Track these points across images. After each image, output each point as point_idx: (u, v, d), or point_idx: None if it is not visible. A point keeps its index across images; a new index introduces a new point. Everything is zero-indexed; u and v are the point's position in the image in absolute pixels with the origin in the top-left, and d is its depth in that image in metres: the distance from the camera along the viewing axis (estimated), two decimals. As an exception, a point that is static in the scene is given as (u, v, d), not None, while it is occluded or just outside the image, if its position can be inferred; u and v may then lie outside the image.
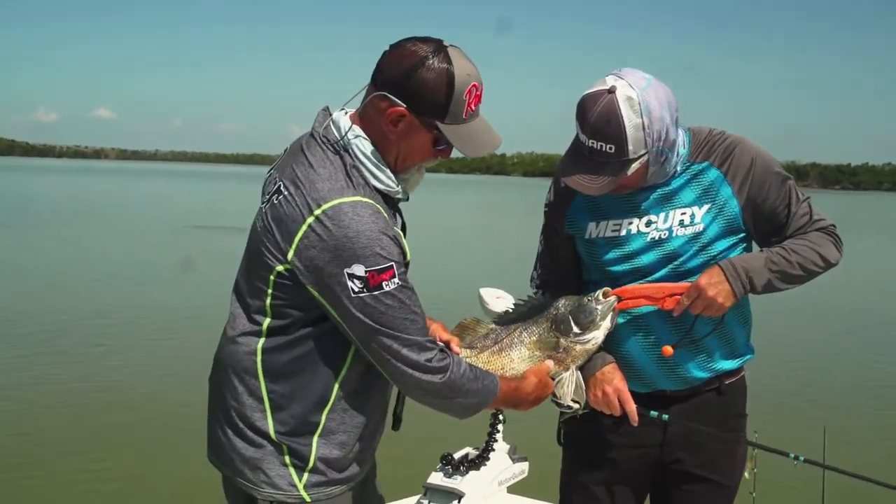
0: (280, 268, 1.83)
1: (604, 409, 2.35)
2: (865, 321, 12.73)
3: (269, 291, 1.86)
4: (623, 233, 2.31)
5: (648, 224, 2.30)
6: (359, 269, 1.77)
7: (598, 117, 2.06)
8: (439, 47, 1.82)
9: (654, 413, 2.36)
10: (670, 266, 2.29)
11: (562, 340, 2.20)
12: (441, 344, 1.95)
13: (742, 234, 2.32)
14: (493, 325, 2.25)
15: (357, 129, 1.88)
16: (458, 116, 1.84)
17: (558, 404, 2.41)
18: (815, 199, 2.44)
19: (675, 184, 2.30)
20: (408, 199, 1.99)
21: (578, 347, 2.21)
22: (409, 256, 1.88)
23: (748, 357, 2.45)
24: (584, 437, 2.58)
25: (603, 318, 2.19)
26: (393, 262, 1.79)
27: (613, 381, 2.33)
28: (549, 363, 2.18)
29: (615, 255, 2.33)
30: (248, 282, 1.92)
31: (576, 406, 2.40)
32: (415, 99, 1.82)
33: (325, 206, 1.78)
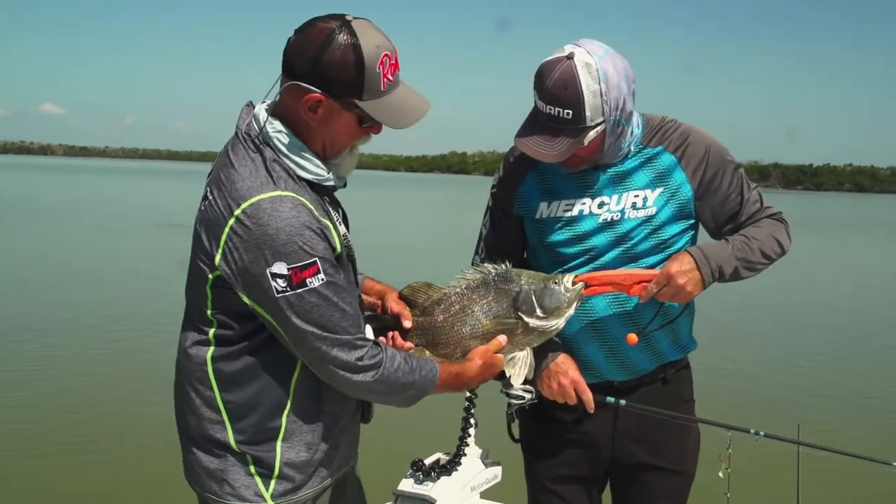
0: (212, 275, 1.82)
1: (558, 400, 2.38)
2: (819, 316, 13.11)
3: (209, 300, 1.85)
4: (575, 213, 2.32)
5: (601, 205, 2.31)
6: (281, 267, 1.75)
7: (555, 83, 2.07)
8: (343, 23, 1.78)
9: (610, 399, 2.38)
10: (621, 248, 2.31)
11: (521, 321, 2.17)
12: (371, 339, 1.94)
13: (692, 221, 2.36)
14: (445, 292, 2.21)
15: (275, 122, 1.85)
16: (375, 90, 1.81)
17: (508, 394, 2.44)
18: (777, 199, 2.49)
19: (629, 165, 2.31)
20: (344, 185, 1.98)
21: (537, 332, 2.19)
22: (339, 249, 1.86)
23: (692, 348, 2.50)
24: (538, 437, 2.54)
25: (569, 306, 2.18)
26: (317, 258, 1.77)
27: (569, 373, 2.35)
28: (502, 340, 2.16)
29: (566, 235, 2.33)
30: (191, 292, 1.91)
31: (528, 396, 2.43)
32: (327, 82, 1.79)
33: (244, 205, 1.76)
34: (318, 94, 1.80)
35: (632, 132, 2.26)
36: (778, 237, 2.35)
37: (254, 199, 1.76)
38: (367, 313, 2.19)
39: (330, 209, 1.91)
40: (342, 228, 1.95)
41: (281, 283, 1.76)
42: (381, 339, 2.15)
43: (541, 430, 2.55)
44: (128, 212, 30.07)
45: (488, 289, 2.20)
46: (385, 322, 2.21)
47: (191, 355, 1.91)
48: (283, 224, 1.75)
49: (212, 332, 1.88)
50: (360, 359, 1.86)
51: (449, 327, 2.19)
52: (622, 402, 2.38)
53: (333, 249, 1.84)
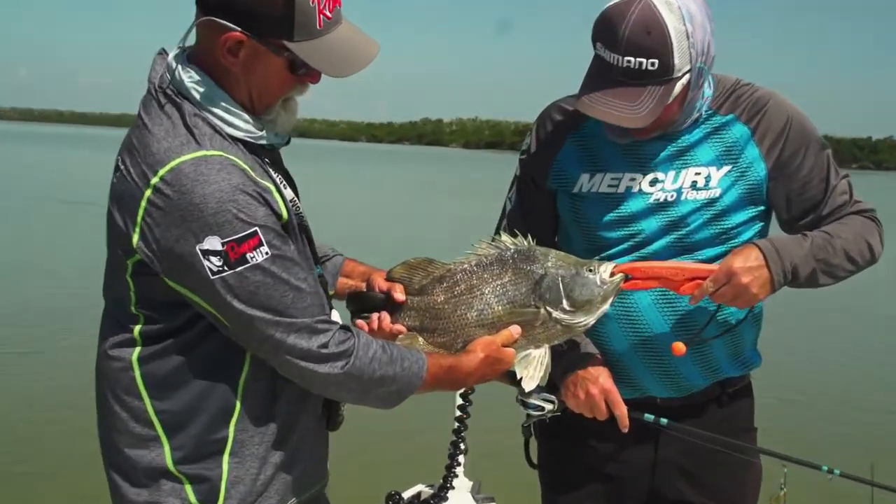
0: (131, 261, 1.84)
1: (585, 413, 2.40)
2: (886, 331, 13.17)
3: (132, 289, 1.88)
4: (621, 189, 2.35)
5: (654, 183, 2.33)
6: (214, 242, 1.77)
7: (634, 28, 2.07)
8: None
9: (649, 416, 2.40)
10: (673, 236, 2.33)
11: (542, 311, 2.19)
12: (338, 321, 1.97)
13: (762, 209, 2.38)
14: (450, 268, 2.25)
15: (191, 69, 1.87)
16: (309, 30, 1.82)
17: (525, 404, 2.44)
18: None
19: (692, 137, 2.33)
20: (287, 143, 2.02)
21: (561, 327, 2.20)
22: (285, 216, 1.88)
23: (755, 364, 2.52)
24: (560, 462, 2.61)
25: (603, 301, 2.20)
26: (257, 227, 1.79)
27: (599, 380, 2.36)
28: (514, 332, 2.18)
29: (608, 216, 2.36)
30: (109, 284, 1.95)
31: (548, 407, 2.42)
32: (249, 17, 1.80)
33: (161, 171, 1.78)
34: (238, 33, 1.81)
35: (703, 93, 2.29)
36: (869, 239, 2.34)
37: (173, 163, 1.78)
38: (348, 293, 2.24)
39: (271, 171, 1.94)
40: (288, 193, 1.98)
41: (215, 261, 1.78)
42: (360, 322, 2.19)
43: (563, 452, 2.57)
44: (20, 187, 29.85)
45: (504, 268, 2.21)
46: (369, 300, 2.25)
47: (113, 359, 1.93)
48: (211, 189, 1.76)
49: (137, 329, 1.90)
50: (325, 345, 1.88)
51: (451, 310, 2.22)
52: (663, 420, 2.39)
53: (278, 216, 1.86)
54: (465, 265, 2.23)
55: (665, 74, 2.10)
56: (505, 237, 2.26)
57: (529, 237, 2.25)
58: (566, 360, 2.37)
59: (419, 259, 2.27)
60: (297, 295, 1.86)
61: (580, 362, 2.39)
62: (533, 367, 2.21)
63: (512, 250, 2.22)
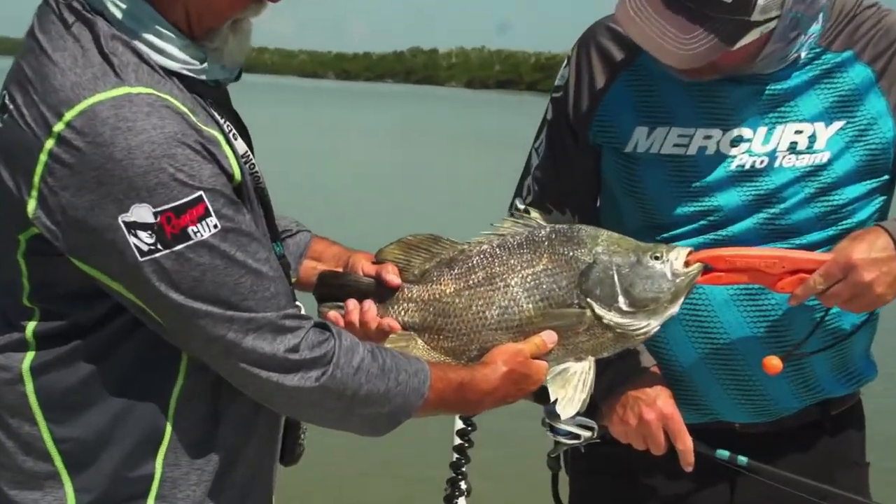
0: (24, 236, 1.83)
1: (635, 444, 2.41)
2: None
3: (25, 275, 1.87)
4: (692, 150, 2.36)
5: (737, 142, 2.35)
6: (143, 213, 1.76)
7: None
8: None
9: (722, 453, 2.40)
10: (763, 215, 2.35)
11: (589, 313, 2.20)
12: (310, 317, 2.00)
13: (885, 178, 2.40)
14: (463, 249, 2.28)
15: None
16: None
17: (554, 429, 2.44)
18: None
19: (792, 81, 2.34)
20: (237, 78, 2.05)
21: (613, 334, 2.22)
22: (238, 176, 1.90)
23: (868, 377, 2.55)
24: (598, 499, 2.64)
25: (673, 300, 2.21)
26: (201, 191, 1.79)
27: (657, 403, 2.37)
28: (549, 339, 2.20)
29: (673, 186, 2.37)
30: None
31: (585, 434, 2.43)
32: None
33: (69, 115, 1.76)
34: None
35: (809, 31, 2.30)
36: None
37: (84, 104, 1.76)
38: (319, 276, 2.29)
39: (216, 115, 1.95)
40: (240, 145, 1.99)
41: (145, 238, 1.77)
42: (331, 314, 2.23)
43: (602, 492, 2.63)
44: None
45: (538, 252, 2.24)
46: (346, 284, 2.28)
47: None
48: (138, 140, 1.75)
49: (30, 327, 1.88)
50: (294, 349, 1.89)
51: (464, 306, 2.24)
52: (742, 459, 2.39)
53: (229, 177, 1.87)
54: (485, 246, 2.25)
55: (738, 13, 2.10)
56: (535, 214, 2.27)
57: (569, 214, 2.26)
58: (612, 372, 2.39)
59: (420, 236, 2.29)
60: (256, 281, 1.86)
61: (632, 377, 2.41)
62: (572, 387, 2.22)
63: (548, 230, 2.24)
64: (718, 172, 2.35)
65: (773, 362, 2.27)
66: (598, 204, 2.53)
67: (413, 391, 2.01)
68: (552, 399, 2.23)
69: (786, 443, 2.47)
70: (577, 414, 2.26)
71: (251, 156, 2.03)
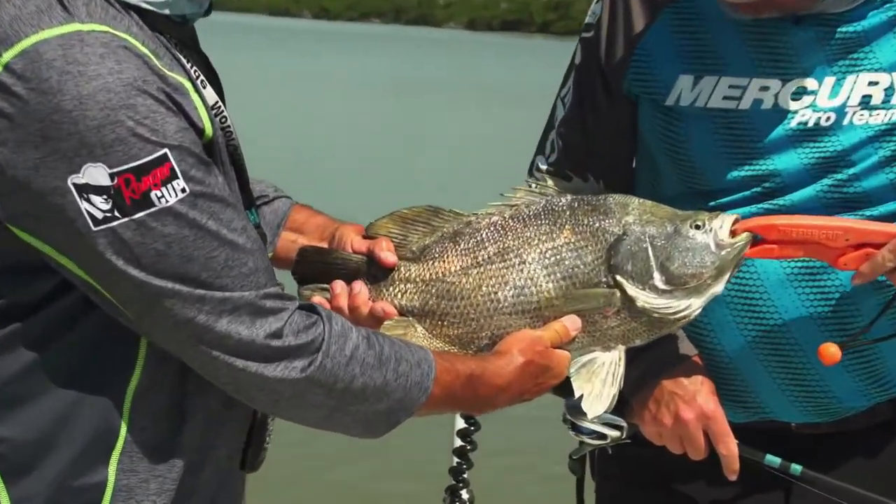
0: None
1: (671, 446, 2.44)
2: None
3: None
4: (745, 104, 2.37)
5: (799, 95, 2.36)
6: (97, 174, 1.75)
7: None
8: None
9: (773, 460, 2.43)
10: (829, 181, 2.37)
11: (619, 292, 2.22)
12: (293, 296, 2.02)
13: None
14: (470, 220, 2.31)
15: None
16: None
17: (577, 428, 2.46)
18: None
19: (868, 21, 2.34)
20: (207, 13, 2.05)
21: (647, 317, 2.24)
22: (209, 131, 1.91)
23: None
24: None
25: (717, 276, 2.23)
26: (167, 148, 1.79)
27: (697, 399, 2.40)
28: (571, 325, 2.22)
29: (723, 147, 2.39)
30: None
31: (612, 434, 2.45)
32: None
33: (7, 56, 1.75)
34: None
35: None
36: None
37: (27, 43, 1.75)
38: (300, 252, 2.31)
39: (182, 59, 1.95)
40: (210, 93, 2.00)
41: (100, 203, 1.77)
42: (317, 298, 2.23)
43: (633, 500, 2.66)
44: None
45: (558, 223, 2.26)
46: (333, 262, 2.29)
47: None
48: (91, 88, 1.74)
49: None
50: (277, 334, 1.90)
51: (472, 286, 2.25)
52: (796, 468, 2.41)
53: (199, 131, 1.87)
54: (496, 217, 2.27)
55: None
56: (552, 182, 2.29)
57: (592, 181, 2.25)
58: (645, 362, 2.41)
59: (417, 209, 2.30)
60: (231, 255, 1.86)
61: (667, 368, 2.43)
62: (600, 381, 2.24)
63: (569, 197, 2.26)
64: (776, 131, 2.36)
65: (831, 350, 2.27)
66: (632, 166, 2.55)
67: (415, 385, 2.02)
68: (576, 394, 2.24)
69: (850, 447, 2.49)
70: (605, 412, 2.26)
71: (222, 107, 2.03)
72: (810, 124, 2.35)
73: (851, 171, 2.35)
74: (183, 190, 1.79)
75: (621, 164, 2.51)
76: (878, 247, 2.22)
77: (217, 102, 2.01)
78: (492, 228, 2.26)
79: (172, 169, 1.78)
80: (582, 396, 2.23)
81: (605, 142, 2.50)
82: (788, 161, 2.36)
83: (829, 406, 2.46)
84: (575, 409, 2.37)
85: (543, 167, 2.54)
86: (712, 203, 2.36)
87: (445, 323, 2.25)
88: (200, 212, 1.83)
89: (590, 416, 2.28)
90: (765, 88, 2.36)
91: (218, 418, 2.02)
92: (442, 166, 17.71)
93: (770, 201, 2.36)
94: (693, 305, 2.22)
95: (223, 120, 2.01)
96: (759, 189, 2.37)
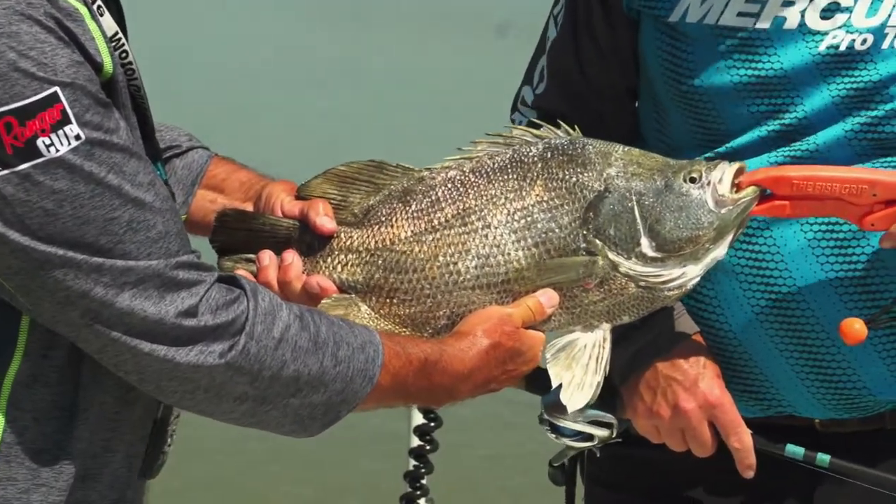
0: None
1: (671, 443, 2.47)
2: None
3: None
4: (764, 23, 2.39)
5: (829, 13, 2.37)
6: None
7: None
8: None
9: (795, 450, 2.45)
10: (859, 120, 2.40)
11: (602, 260, 2.24)
12: (211, 266, 2.02)
13: None
14: (423, 177, 2.31)
15: None
16: None
17: (556, 429, 2.45)
18: None
19: None
20: None
21: (635, 289, 2.25)
22: (110, 67, 1.90)
23: None
24: None
25: (719, 238, 2.24)
26: (57, 86, 1.80)
27: (700, 386, 2.43)
28: (546, 301, 2.24)
29: (735, 75, 2.39)
30: None
31: (599, 434, 2.44)
32: None
33: None
34: None
35: None
36: None
37: None
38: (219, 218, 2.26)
39: None
40: (109, 22, 1.99)
41: None
42: (242, 272, 2.21)
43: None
44: None
45: (528, 178, 2.28)
46: (259, 229, 2.29)
47: None
48: None
49: None
50: (191, 311, 1.91)
51: (426, 256, 2.27)
52: (823, 458, 2.43)
53: (97, 67, 1.87)
54: (454, 172, 2.28)
55: None
56: (520, 131, 2.28)
57: (578, 131, 2.23)
58: (635, 343, 2.43)
59: (357, 164, 2.31)
60: (137, 215, 1.86)
61: (663, 349, 2.46)
62: (581, 367, 2.25)
63: (540, 146, 2.27)
64: (801, 55, 2.38)
65: (855, 327, 2.28)
66: (635, 106, 2.54)
67: (358, 372, 2.02)
68: (554, 385, 2.24)
69: (884, 447, 2.50)
70: (589, 405, 2.26)
71: (123, 40, 2.01)
72: (842, 48, 2.36)
73: (889, 106, 2.35)
74: (77, 137, 1.79)
75: (621, 100, 2.51)
76: None
77: (117, 33, 1.98)
78: (449, 185, 2.27)
79: (64, 111, 1.78)
80: (560, 387, 2.22)
81: (602, 70, 2.50)
82: (814, 93, 2.38)
83: (857, 399, 2.48)
84: (554, 406, 2.36)
85: (530, 100, 2.54)
86: (722, 149, 2.36)
87: (395, 300, 2.25)
88: (98, 163, 1.82)
89: (570, 410, 2.28)
90: (789, 3, 2.35)
91: (115, 416, 2.01)
92: (401, 113, 17.63)
93: (790, 145, 2.37)
94: (689, 274, 2.23)
95: (124, 55, 1.98)
96: (776, 127, 2.38)
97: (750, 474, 2.39)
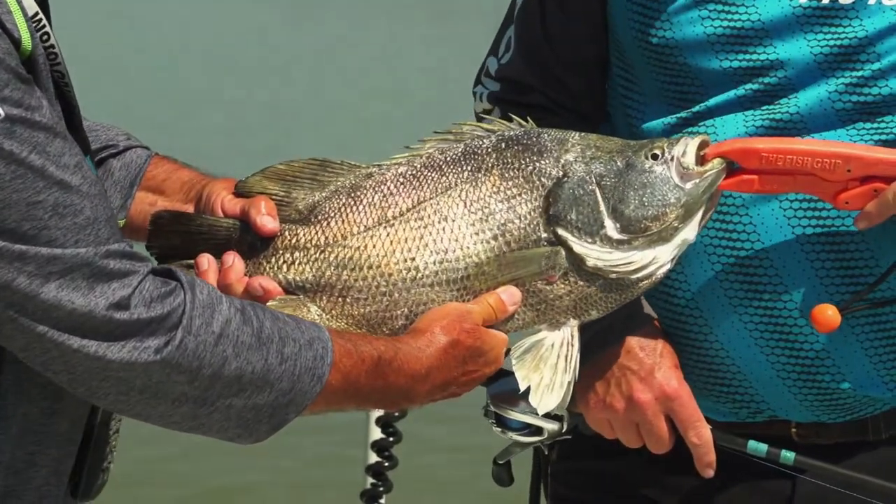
0: None
1: (625, 439, 2.49)
2: None
3: None
4: None
5: None
6: None
7: None
8: None
9: (757, 447, 2.45)
10: (842, 81, 2.41)
11: (563, 251, 2.24)
12: (144, 256, 2.00)
13: None
14: (371, 172, 2.31)
15: None
16: None
17: (503, 422, 2.46)
18: None
19: None
20: None
21: (603, 279, 2.25)
22: (28, 45, 1.88)
23: None
24: None
25: (688, 215, 2.24)
26: None
27: (656, 376, 2.45)
28: (508, 298, 2.24)
29: (711, 28, 2.39)
30: None
31: (549, 428, 2.45)
32: None
33: None
34: None
35: None
36: None
37: None
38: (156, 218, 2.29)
39: None
40: (29, 2, 1.96)
41: None
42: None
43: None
44: None
45: (483, 169, 2.29)
46: (198, 229, 2.28)
47: None
48: None
49: None
50: (123, 303, 1.88)
51: (380, 252, 2.27)
52: (788, 455, 2.43)
53: (15, 43, 1.85)
54: (404, 168, 2.29)
55: None
56: (469, 126, 2.30)
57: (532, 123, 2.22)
58: (587, 330, 2.37)
59: (298, 163, 2.31)
60: (63, 198, 1.83)
61: (617, 336, 2.47)
62: (550, 368, 2.25)
63: (493, 137, 2.28)
64: (780, 6, 2.38)
65: (828, 313, 2.28)
66: (605, 80, 2.54)
67: (306, 371, 2.01)
68: (521, 386, 2.24)
69: (871, 456, 2.49)
70: (560, 406, 2.29)
71: (45, 23, 1.98)
72: (825, 1, 2.34)
73: (876, 66, 2.36)
74: None
75: (589, 72, 2.51)
76: (888, 181, 2.21)
77: (38, 14, 1.96)
78: (401, 180, 2.27)
79: None
80: (529, 390, 2.22)
81: (569, 36, 2.50)
82: (794, 50, 2.39)
83: (838, 396, 2.47)
84: (500, 396, 2.39)
85: (494, 70, 2.54)
86: (697, 108, 2.37)
87: (348, 300, 2.24)
88: (20, 142, 1.80)
89: (541, 413, 2.28)
90: None
91: (40, 428, 2.00)
92: (364, 110, 17.52)
93: (766, 107, 2.38)
94: (660, 258, 2.23)
95: (45, 37, 1.95)
96: (753, 87, 2.39)
97: (710, 473, 2.40)
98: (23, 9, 1.86)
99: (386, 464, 2.79)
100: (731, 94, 2.37)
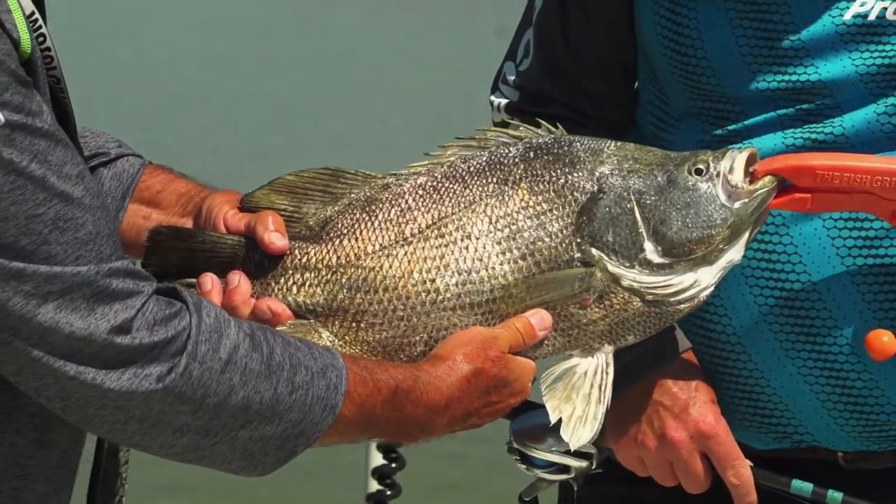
0: None
1: (659, 477, 2.51)
2: None
3: None
4: None
5: None
6: None
7: None
8: None
9: (801, 486, 2.45)
10: (893, 100, 2.40)
11: (600, 272, 2.24)
12: (148, 275, 2.00)
13: None
14: (387, 183, 2.31)
15: None
16: None
17: (528, 459, 2.45)
18: None
19: None
20: None
21: (641, 303, 2.24)
22: (28, 48, 1.89)
23: None
24: None
25: (735, 236, 2.23)
26: None
27: (691, 413, 2.47)
28: (538, 322, 2.23)
29: (744, 45, 2.41)
30: None
31: (576, 465, 2.45)
32: None
33: None
34: None
35: None
36: None
37: None
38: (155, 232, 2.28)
39: None
40: (26, 1, 1.95)
41: None
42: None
43: None
44: None
45: (510, 182, 2.28)
46: (199, 247, 2.27)
47: None
48: None
49: None
50: (125, 327, 1.87)
51: (399, 273, 2.27)
52: (836, 495, 2.43)
53: (15, 44, 1.86)
54: (424, 178, 2.28)
55: None
56: (494, 133, 2.29)
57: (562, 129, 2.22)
58: (617, 361, 2.35)
59: (308, 172, 2.30)
60: (64, 211, 1.83)
61: (649, 369, 2.47)
62: (583, 398, 2.25)
63: (521, 145, 2.27)
64: (822, 25, 2.39)
65: (883, 340, 2.28)
66: (633, 88, 2.58)
67: (318, 400, 2.01)
68: (552, 419, 2.23)
69: None
70: (593, 440, 2.27)
71: (41, 23, 1.97)
72: (871, 17, 2.38)
73: None
74: None
75: (614, 80, 2.52)
76: None
77: (34, 14, 1.95)
78: (420, 192, 2.26)
79: None
80: (561, 422, 2.21)
81: (591, 42, 2.50)
82: (838, 69, 2.39)
83: (886, 426, 2.49)
84: (525, 433, 2.37)
85: (512, 78, 2.53)
86: (732, 126, 2.36)
87: (363, 324, 2.24)
88: (20, 150, 1.80)
89: (573, 447, 2.26)
90: None
91: (27, 461, 1.99)
92: (368, 111, 17.57)
93: (810, 126, 2.38)
94: (702, 282, 2.23)
95: (41, 38, 1.95)
96: (791, 111, 2.38)
97: None
98: (21, 8, 1.84)
99: (388, 492, 2.74)
100: (772, 114, 2.38)
